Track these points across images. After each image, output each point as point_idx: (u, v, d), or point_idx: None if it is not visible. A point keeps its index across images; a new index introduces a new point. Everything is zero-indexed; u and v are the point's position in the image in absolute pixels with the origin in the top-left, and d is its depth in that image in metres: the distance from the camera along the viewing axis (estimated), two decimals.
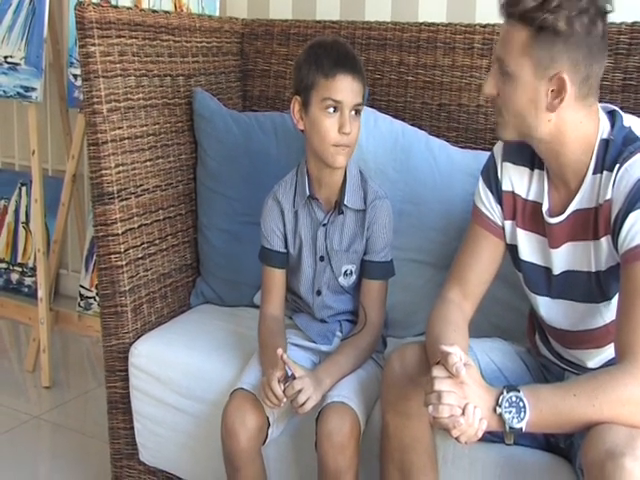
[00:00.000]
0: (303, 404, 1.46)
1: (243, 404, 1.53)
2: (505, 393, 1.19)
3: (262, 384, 1.50)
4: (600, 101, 1.35)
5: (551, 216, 1.38)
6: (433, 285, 1.86)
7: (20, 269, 3.33)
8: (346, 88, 1.53)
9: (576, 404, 1.18)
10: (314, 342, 1.69)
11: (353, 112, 1.55)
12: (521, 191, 1.44)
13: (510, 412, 1.18)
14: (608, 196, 1.29)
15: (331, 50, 1.56)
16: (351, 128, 1.53)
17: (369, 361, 1.65)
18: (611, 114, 1.35)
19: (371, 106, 2.06)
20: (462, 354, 1.22)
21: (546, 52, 1.24)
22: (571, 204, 1.35)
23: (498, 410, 1.19)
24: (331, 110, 1.54)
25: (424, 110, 2.11)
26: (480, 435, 1.19)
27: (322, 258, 1.67)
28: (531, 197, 1.43)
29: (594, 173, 1.32)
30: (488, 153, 1.55)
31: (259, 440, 1.55)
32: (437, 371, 1.21)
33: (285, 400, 1.46)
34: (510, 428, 1.19)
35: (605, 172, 1.30)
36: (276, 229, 1.69)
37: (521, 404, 1.18)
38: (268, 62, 2.32)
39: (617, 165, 1.28)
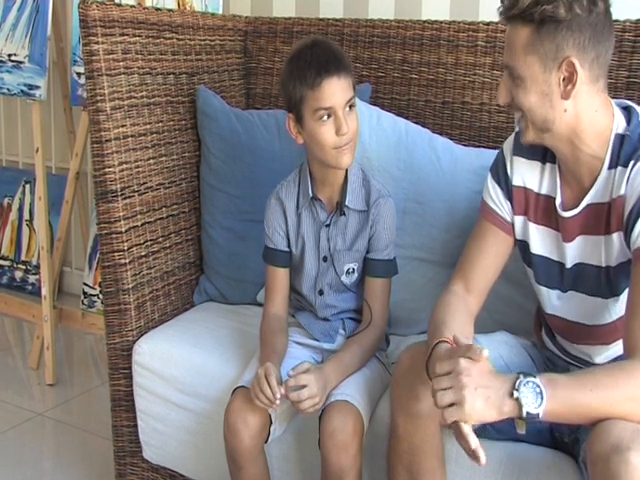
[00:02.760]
0: (304, 403, 1.45)
1: (245, 402, 1.53)
2: (522, 377, 1.17)
3: (256, 377, 1.48)
4: None
5: (564, 210, 1.38)
6: (436, 283, 1.86)
7: (24, 267, 3.33)
8: (334, 91, 1.51)
9: (591, 399, 1.16)
10: (317, 340, 1.69)
11: (347, 108, 1.54)
12: (533, 185, 1.44)
13: (527, 397, 1.15)
14: (622, 192, 1.29)
15: (311, 59, 1.52)
16: (348, 126, 1.52)
17: (372, 359, 1.64)
18: (626, 110, 1.35)
19: (374, 104, 2.06)
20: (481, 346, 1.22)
21: (551, 43, 1.24)
22: (585, 198, 1.35)
23: (515, 394, 1.16)
24: (325, 118, 1.52)
25: (427, 108, 2.11)
26: (495, 418, 1.17)
27: (325, 258, 1.67)
28: (544, 191, 1.43)
29: (609, 168, 1.32)
30: (492, 151, 1.55)
31: (262, 438, 1.55)
32: (437, 367, 1.21)
33: (279, 396, 1.45)
34: (527, 413, 1.15)
35: (620, 167, 1.30)
36: (279, 229, 1.69)
37: (538, 390, 1.16)
38: (271, 60, 2.32)
39: (632, 161, 1.28)
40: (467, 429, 1.18)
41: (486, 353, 1.19)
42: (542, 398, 1.15)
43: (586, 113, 1.29)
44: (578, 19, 1.23)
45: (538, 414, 1.16)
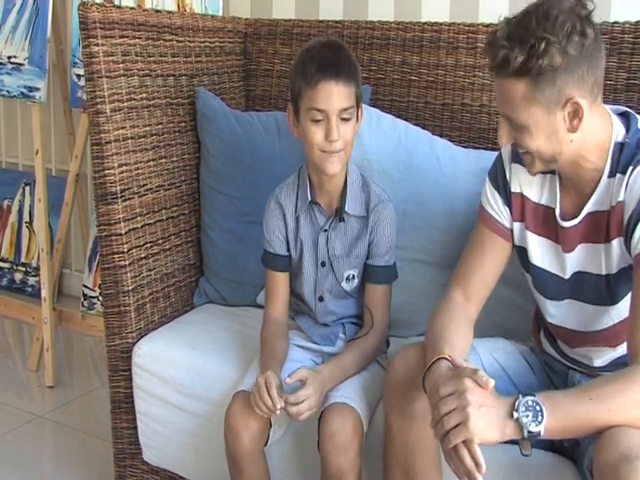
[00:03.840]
0: (303, 415, 1.46)
1: (246, 405, 1.52)
2: (521, 397, 1.17)
3: (257, 386, 1.48)
4: (604, 101, 1.33)
5: (564, 220, 1.38)
6: (436, 285, 1.86)
7: (24, 269, 3.33)
8: (329, 95, 1.49)
9: (592, 408, 1.16)
10: (317, 343, 1.69)
11: (341, 119, 1.51)
12: (530, 194, 1.43)
13: (527, 416, 1.15)
14: (620, 198, 1.29)
15: (316, 56, 1.52)
16: (339, 135, 1.51)
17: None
18: (624, 116, 1.34)
19: (374, 106, 2.06)
20: (471, 364, 1.22)
21: (552, 89, 1.22)
22: (585, 207, 1.35)
23: (515, 415, 1.16)
24: (317, 118, 1.51)
25: (427, 110, 2.11)
26: (499, 438, 1.17)
27: (324, 264, 1.66)
28: (543, 201, 1.42)
29: (609, 177, 1.31)
30: (491, 153, 1.54)
31: (262, 441, 1.55)
32: (441, 389, 1.20)
33: (279, 407, 1.45)
34: (528, 432, 1.16)
35: (618, 175, 1.30)
36: (278, 233, 1.68)
37: (538, 408, 1.16)
38: (271, 62, 2.32)
39: (630, 167, 1.28)
40: (478, 448, 1.16)
41: (492, 384, 1.18)
42: (542, 415, 1.15)
43: (588, 134, 1.28)
44: (574, 58, 1.21)
45: (540, 432, 1.16)
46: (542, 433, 1.16)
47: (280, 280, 1.70)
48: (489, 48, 1.25)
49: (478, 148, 1.99)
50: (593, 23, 1.24)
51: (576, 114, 1.24)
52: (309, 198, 1.63)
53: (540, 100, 1.23)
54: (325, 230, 1.65)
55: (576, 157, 1.30)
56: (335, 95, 1.50)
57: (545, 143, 1.27)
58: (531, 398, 1.17)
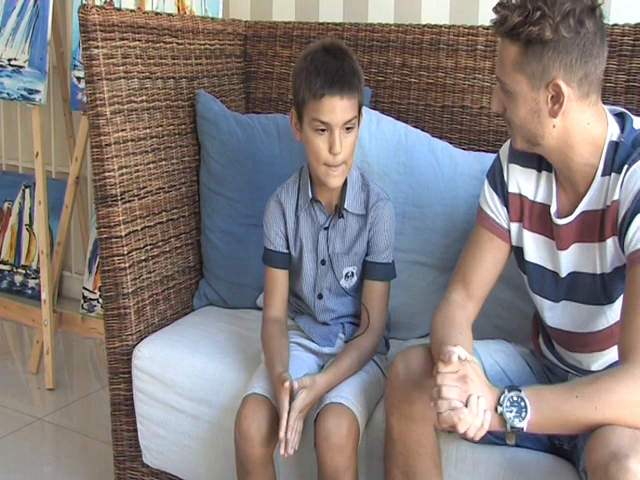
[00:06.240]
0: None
1: (258, 409, 1.52)
2: (507, 392, 1.19)
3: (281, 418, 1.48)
4: (604, 103, 1.35)
5: (559, 217, 1.38)
6: (436, 287, 1.86)
7: (24, 271, 3.33)
8: (334, 109, 1.50)
9: (578, 406, 1.18)
10: (317, 344, 1.69)
11: (345, 129, 1.53)
12: (528, 193, 1.44)
13: (511, 411, 1.18)
14: (615, 197, 1.30)
15: (321, 67, 1.51)
16: (342, 147, 1.52)
17: (370, 362, 1.64)
18: (620, 116, 1.35)
19: (374, 108, 2.06)
20: (466, 353, 1.23)
21: (537, 63, 1.25)
22: (579, 205, 1.36)
23: (499, 409, 1.19)
24: (320, 130, 1.52)
25: (427, 112, 2.11)
26: (487, 427, 1.19)
27: (323, 262, 1.67)
28: (539, 199, 1.43)
29: (603, 175, 1.32)
30: (491, 155, 1.55)
31: (272, 445, 1.54)
32: (440, 366, 1.22)
33: (292, 452, 1.48)
34: (511, 427, 1.19)
35: (613, 174, 1.31)
36: (278, 230, 1.69)
37: (522, 404, 1.18)
38: (271, 64, 2.32)
39: (625, 166, 1.28)
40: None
41: (455, 357, 1.20)
42: (526, 411, 1.18)
43: (577, 127, 1.30)
44: (564, 40, 1.23)
45: (522, 428, 1.18)
46: (525, 428, 1.18)
47: (279, 277, 1.70)
48: (497, 6, 1.30)
49: (478, 150, 2.00)
50: (597, 18, 1.26)
51: (558, 99, 1.26)
52: (310, 195, 1.64)
53: (526, 70, 1.27)
54: (325, 228, 1.65)
55: (563, 147, 1.32)
56: (339, 109, 1.51)
57: (527, 119, 1.30)
58: (516, 393, 1.19)
